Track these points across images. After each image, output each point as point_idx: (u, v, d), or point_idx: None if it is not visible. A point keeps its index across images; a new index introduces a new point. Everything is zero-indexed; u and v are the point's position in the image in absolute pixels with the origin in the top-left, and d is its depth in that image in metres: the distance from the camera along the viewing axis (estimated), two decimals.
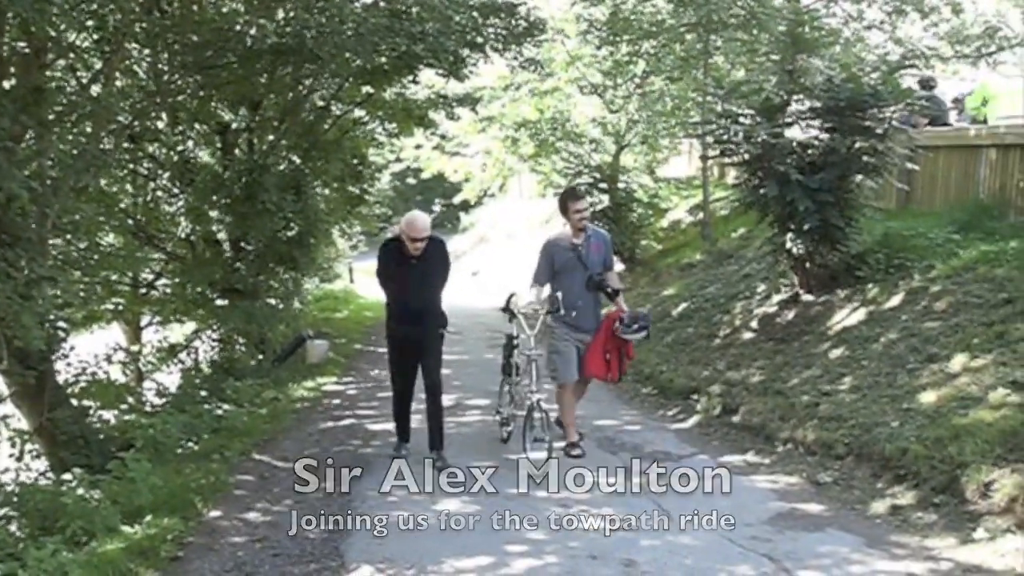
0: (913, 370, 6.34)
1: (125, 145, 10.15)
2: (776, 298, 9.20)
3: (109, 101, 8.25)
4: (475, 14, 10.20)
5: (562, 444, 6.43)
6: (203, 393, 9.61)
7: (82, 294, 10.33)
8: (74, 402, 9.24)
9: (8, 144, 6.62)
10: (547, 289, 6.66)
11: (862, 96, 7.85)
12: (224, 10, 9.86)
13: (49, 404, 8.38)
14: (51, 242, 8.52)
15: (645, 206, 16.21)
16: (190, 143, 12.18)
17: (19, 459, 8.45)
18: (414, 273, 6.41)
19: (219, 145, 12.25)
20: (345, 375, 11.81)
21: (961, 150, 9.33)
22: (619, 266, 15.98)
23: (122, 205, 11.90)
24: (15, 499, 6.36)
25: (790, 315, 8.65)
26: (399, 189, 34.15)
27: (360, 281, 28.05)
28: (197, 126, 12.10)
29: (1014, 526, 4.46)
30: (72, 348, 9.39)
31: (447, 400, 7.34)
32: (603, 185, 15.51)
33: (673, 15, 13.10)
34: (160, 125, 11.46)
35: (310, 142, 12.51)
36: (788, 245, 8.45)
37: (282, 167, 11.89)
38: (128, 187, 12.26)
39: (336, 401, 9.81)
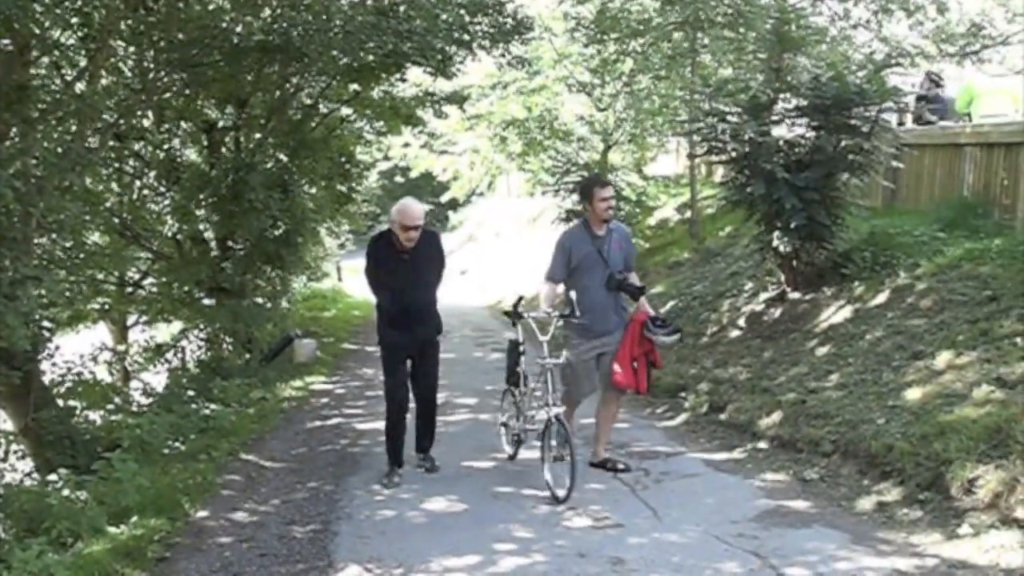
0: (899, 367, 6.37)
1: (110, 143, 10.10)
2: (763, 296, 9.23)
3: (94, 99, 8.21)
4: (463, 12, 10.19)
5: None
6: (190, 393, 9.58)
7: (67, 293, 10.29)
8: (60, 402, 9.22)
9: None
10: (560, 287, 6.03)
11: (848, 95, 7.88)
12: (210, 7, 9.82)
13: (34, 404, 8.36)
14: (36, 241, 8.48)
15: (633, 204, 16.20)
16: (176, 141, 12.16)
17: (4, 460, 8.43)
18: (408, 269, 5.91)
19: (205, 143, 12.23)
20: (333, 374, 11.79)
21: (946, 148, 9.38)
22: None
23: (108, 204, 11.83)
24: (0, 500, 6.33)
25: (777, 313, 8.69)
26: (387, 188, 34.02)
27: (348, 280, 28.02)
28: (183, 124, 12.07)
29: (998, 522, 4.49)
30: (57, 348, 9.37)
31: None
32: None
33: (660, 13, 13.12)
34: (146, 123, 11.43)
35: (297, 140, 12.48)
36: (775, 243, 8.48)
37: (269, 165, 11.86)
38: (114, 186, 12.21)
39: (324, 400, 9.79)
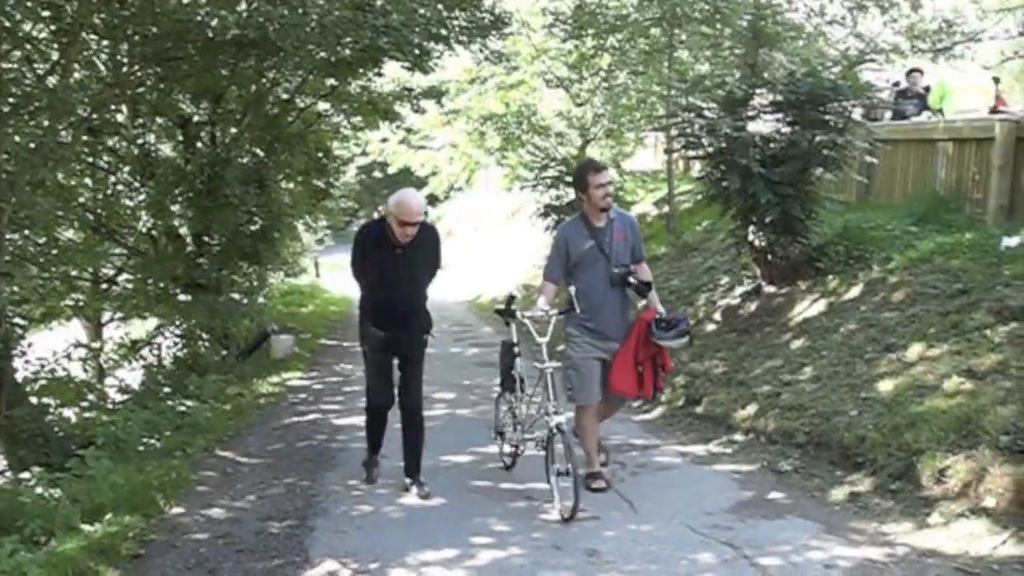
0: (871, 360, 6.45)
1: (84, 138, 10.00)
2: (739, 290, 9.30)
3: (67, 93, 8.09)
4: (440, 7, 10.16)
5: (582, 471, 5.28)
6: (166, 389, 9.54)
7: (40, 290, 10.18)
8: (33, 400, 9.11)
9: None
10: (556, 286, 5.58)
11: (822, 90, 7.94)
12: (185, 1, 9.72)
13: (7, 402, 8.25)
14: (8, 237, 8.36)
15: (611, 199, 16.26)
16: (151, 136, 12.04)
17: None
18: (400, 264, 5.36)
19: (180, 138, 12.13)
20: (310, 370, 11.76)
21: (919, 144, 9.49)
22: None
23: (81, 199, 11.71)
24: None
25: (752, 307, 8.75)
26: (365, 183, 33.94)
27: (326, 276, 27.91)
28: (158, 119, 11.96)
29: (968, 510, 4.56)
30: (31, 345, 9.25)
31: None
32: (569, 179, 15.54)
33: (638, 9, 13.18)
34: (120, 118, 11.31)
35: (273, 135, 12.41)
36: (750, 237, 8.55)
37: (245, 160, 11.77)
38: (87, 181, 12.08)
39: (301, 396, 9.76)
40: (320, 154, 15.21)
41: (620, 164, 17.30)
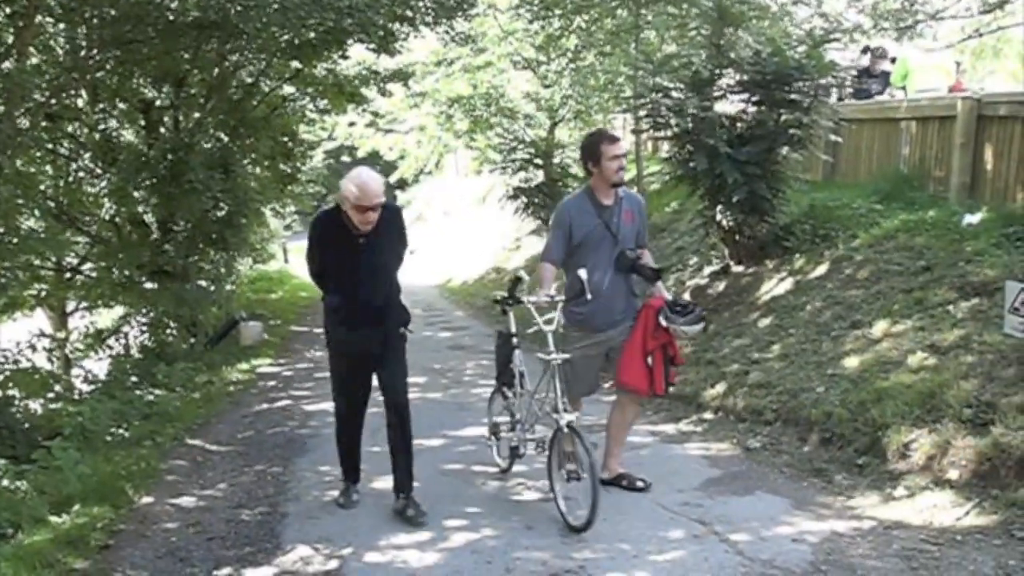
0: (837, 337, 6.53)
1: (43, 124, 9.81)
2: (708, 270, 9.37)
3: (23, 77, 7.94)
4: None
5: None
6: (133, 379, 9.43)
7: (2, 280, 9.99)
8: None
9: None
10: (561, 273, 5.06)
11: (787, 70, 7.98)
12: None
13: None
14: None
15: (580, 181, 16.28)
16: (112, 122, 11.86)
17: None
18: (364, 256, 4.69)
19: (143, 123, 11.95)
20: (280, 356, 11.68)
21: (883, 123, 9.58)
22: None
23: (42, 187, 11.49)
24: None
25: (721, 286, 8.83)
26: (333, 167, 33.64)
27: (295, 261, 27.69)
28: (119, 104, 11.76)
29: (932, 483, 4.65)
30: None
31: None
32: (538, 161, 15.54)
33: None
34: (80, 103, 11.11)
35: (238, 119, 12.27)
36: (718, 217, 8.60)
37: (209, 145, 11.64)
38: (48, 168, 11.87)
39: (271, 383, 9.70)
40: (286, 138, 15.07)
41: None
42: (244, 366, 10.51)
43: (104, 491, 5.46)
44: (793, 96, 8.09)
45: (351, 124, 19.96)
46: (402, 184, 33.37)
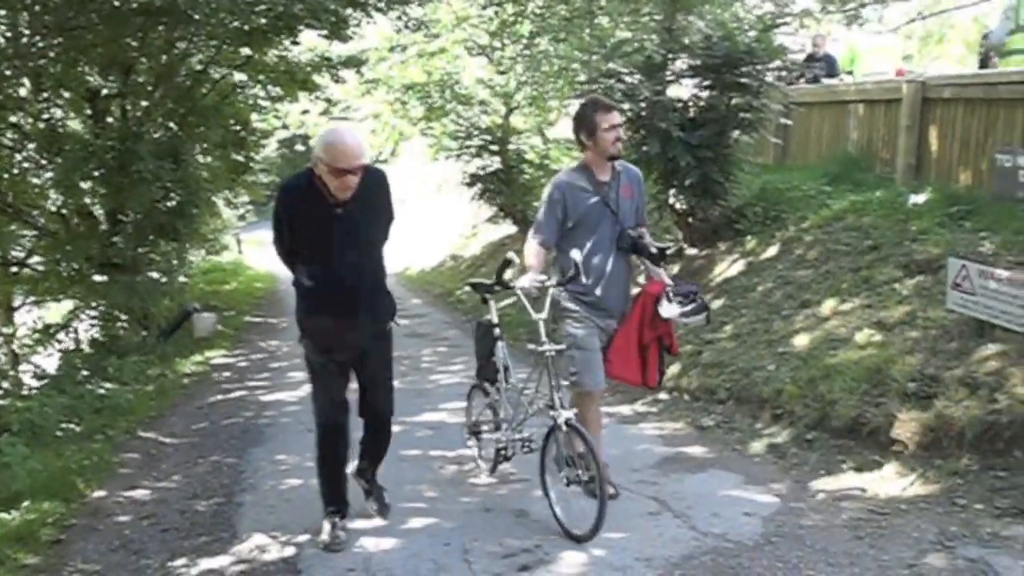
0: (788, 316, 6.65)
1: None
2: None
3: None
4: None
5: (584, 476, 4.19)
6: (84, 373, 9.27)
7: None
8: None
9: None
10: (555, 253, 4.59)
11: (738, 54, 8.06)
12: None
13: None
14: None
15: (536, 167, 16.29)
16: (57, 111, 11.56)
17: None
18: (343, 229, 3.96)
19: (89, 112, 11.67)
20: (235, 347, 11.56)
21: (832, 106, 9.74)
22: (511, 228, 16.14)
23: None
24: None
25: (675, 269, 8.90)
26: (287, 157, 33.28)
27: (249, 252, 27.36)
28: (64, 93, 11.47)
29: (878, 455, 4.77)
30: None
31: None
32: (494, 147, 15.49)
33: None
34: (23, 92, 10.81)
35: (187, 108, 12.04)
36: (671, 201, 8.68)
37: (158, 134, 11.41)
38: None
39: (226, 374, 9.59)
40: (238, 127, 14.83)
41: (544, 132, 17.30)
42: (198, 358, 10.39)
43: (55, 486, 5.38)
44: (743, 80, 8.18)
45: (304, 112, 19.68)
46: None
